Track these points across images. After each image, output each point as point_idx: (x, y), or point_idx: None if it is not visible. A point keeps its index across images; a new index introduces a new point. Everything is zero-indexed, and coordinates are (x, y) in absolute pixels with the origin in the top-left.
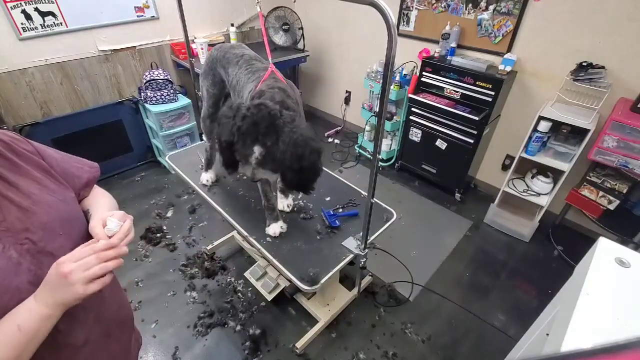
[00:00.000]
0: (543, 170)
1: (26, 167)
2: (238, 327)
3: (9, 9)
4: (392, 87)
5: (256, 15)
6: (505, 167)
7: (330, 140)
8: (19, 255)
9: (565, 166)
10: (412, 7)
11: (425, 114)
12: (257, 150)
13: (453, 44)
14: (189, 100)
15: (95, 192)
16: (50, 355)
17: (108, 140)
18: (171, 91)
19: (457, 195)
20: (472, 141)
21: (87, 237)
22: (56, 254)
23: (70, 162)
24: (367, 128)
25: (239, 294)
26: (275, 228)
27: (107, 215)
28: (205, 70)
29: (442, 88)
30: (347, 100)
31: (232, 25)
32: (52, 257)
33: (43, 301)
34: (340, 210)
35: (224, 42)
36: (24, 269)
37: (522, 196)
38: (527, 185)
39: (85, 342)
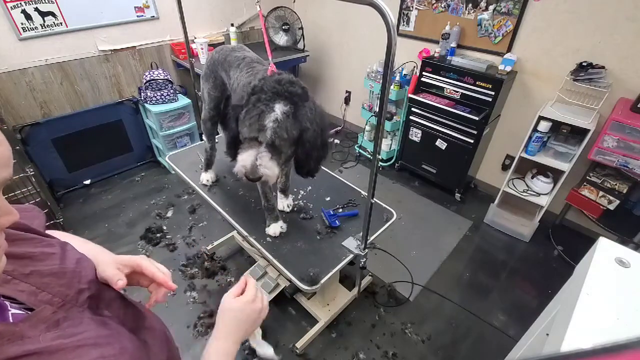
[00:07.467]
0: (543, 170)
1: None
2: None
3: (9, 9)
4: (392, 87)
5: (256, 15)
6: (505, 167)
7: (330, 140)
8: (103, 317)
9: (565, 166)
10: (412, 7)
11: (425, 114)
12: (279, 108)
13: (453, 44)
14: (189, 100)
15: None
16: None
17: (108, 140)
18: (171, 91)
19: (457, 195)
20: (472, 141)
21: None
22: (115, 297)
23: None
24: (367, 128)
25: None
26: (275, 228)
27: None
28: (207, 73)
29: (442, 88)
30: (347, 100)
31: (232, 25)
32: (117, 299)
33: (236, 342)
34: (340, 210)
35: (224, 42)
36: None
37: (522, 196)
38: (527, 185)
39: None
